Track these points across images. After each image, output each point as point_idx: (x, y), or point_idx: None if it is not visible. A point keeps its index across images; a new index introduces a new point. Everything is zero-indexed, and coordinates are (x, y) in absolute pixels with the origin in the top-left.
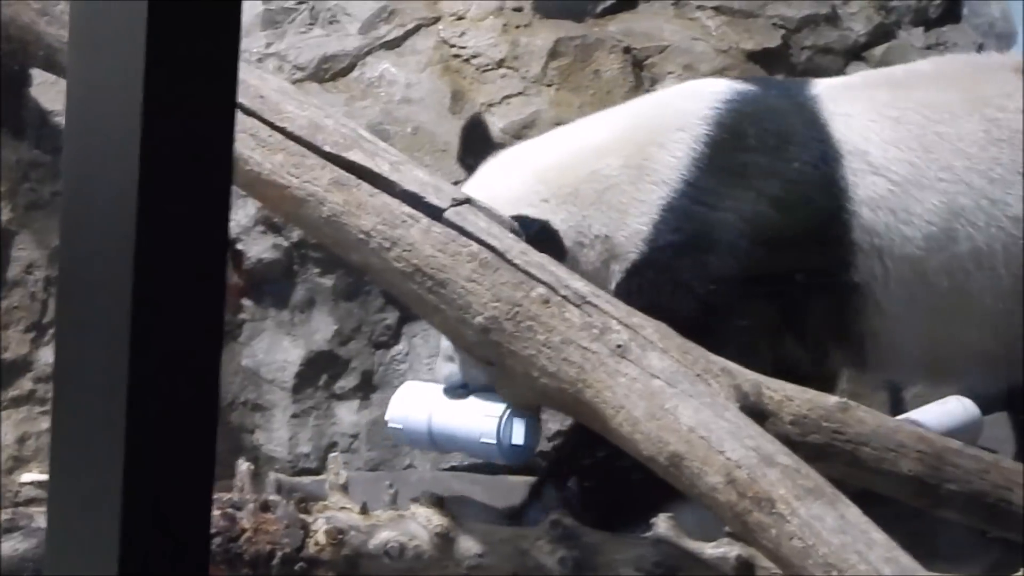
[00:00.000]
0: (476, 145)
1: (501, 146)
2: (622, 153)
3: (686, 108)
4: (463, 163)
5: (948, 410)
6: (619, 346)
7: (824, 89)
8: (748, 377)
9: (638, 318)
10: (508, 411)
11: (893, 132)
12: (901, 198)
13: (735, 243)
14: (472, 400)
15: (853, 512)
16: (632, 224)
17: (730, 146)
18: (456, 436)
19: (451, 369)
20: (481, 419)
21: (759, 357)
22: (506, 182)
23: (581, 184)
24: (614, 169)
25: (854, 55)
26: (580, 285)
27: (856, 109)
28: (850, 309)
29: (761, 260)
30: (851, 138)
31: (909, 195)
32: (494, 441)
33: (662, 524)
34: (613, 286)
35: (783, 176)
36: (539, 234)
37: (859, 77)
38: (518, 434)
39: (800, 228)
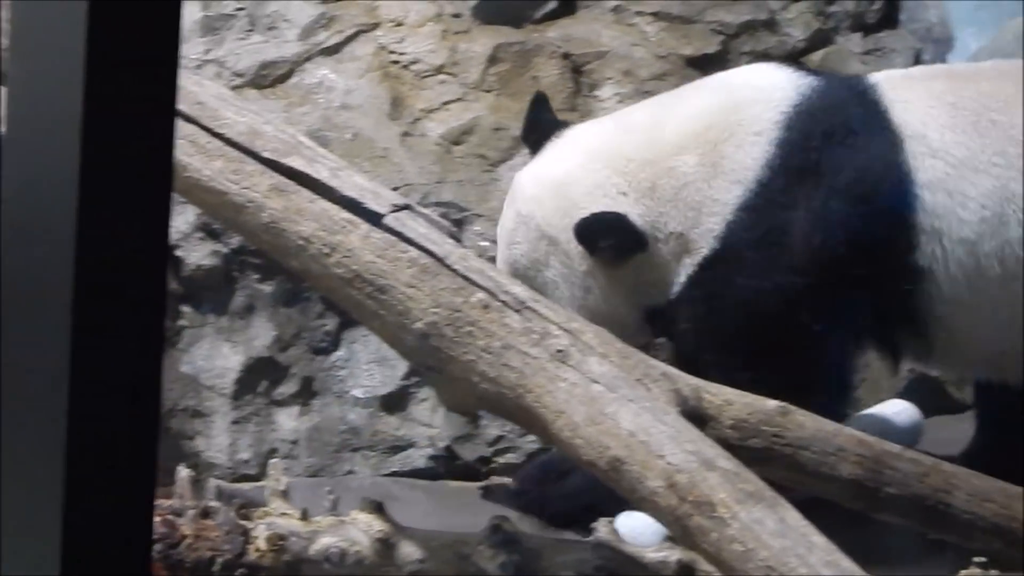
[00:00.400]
0: (540, 124)
1: (564, 124)
2: (697, 151)
3: (758, 112)
4: (526, 141)
5: (890, 412)
6: (559, 351)
7: (883, 78)
8: (688, 381)
9: (578, 323)
10: None
11: (950, 117)
12: (957, 181)
13: (809, 238)
14: None
15: (793, 516)
16: (706, 222)
17: (802, 146)
18: None
19: None
20: None
21: (839, 351)
22: (583, 171)
23: (659, 180)
24: (690, 167)
25: (792, 61)
26: (520, 290)
27: (914, 96)
28: (917, 294)
29: (835, 254)
30: (910, 122)
31: (964, 178)
32: None
33: (602, 528)
34: (684, 279)
35: (853, 167)
36: (617, 227)
37: (917, 70)
38: None
39: (871, 217)
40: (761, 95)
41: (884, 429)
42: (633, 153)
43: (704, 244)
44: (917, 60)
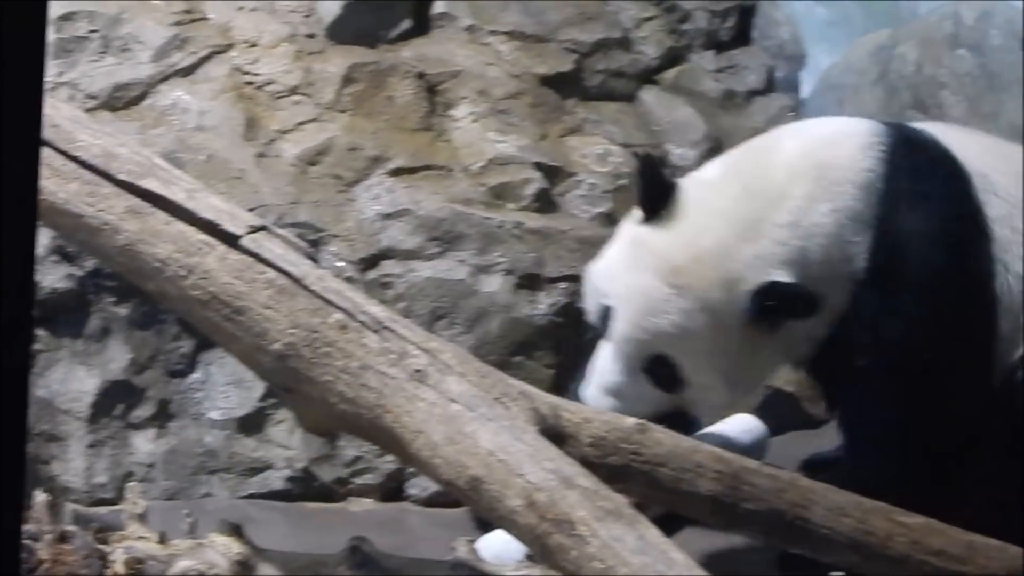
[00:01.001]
0: (658, 185)
1: (675, 185)
2: (825, 200)
3: (855, 155)
4: (647, 204)
5: (735, 429)
6: (417, 371)
7: (927, 125)
8: (546, 400)
9: (436, 343)
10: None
11: (1000, 162)
12: (1016, 220)
13: (931, 264)
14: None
15: (652, 533)
16: (844, 269)
17: (899, 182)
18: None
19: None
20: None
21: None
22: (737, 241)
23: (805, 242)
24: (824, 217)
25: (646, 79)
26: (378, 311)
27: (966, 140)
28: (997, 323)
29: (950, 278)
30: (971, 162)
31: (1018, 216)
32: None
33: (462, 548)
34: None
35: (938, 200)
36: (793, 295)
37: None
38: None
39: (967, 246)
40: (849, 140)
41: (725, 446)
42: (775, 218)
43: (847, 290)
44: (770, 77)
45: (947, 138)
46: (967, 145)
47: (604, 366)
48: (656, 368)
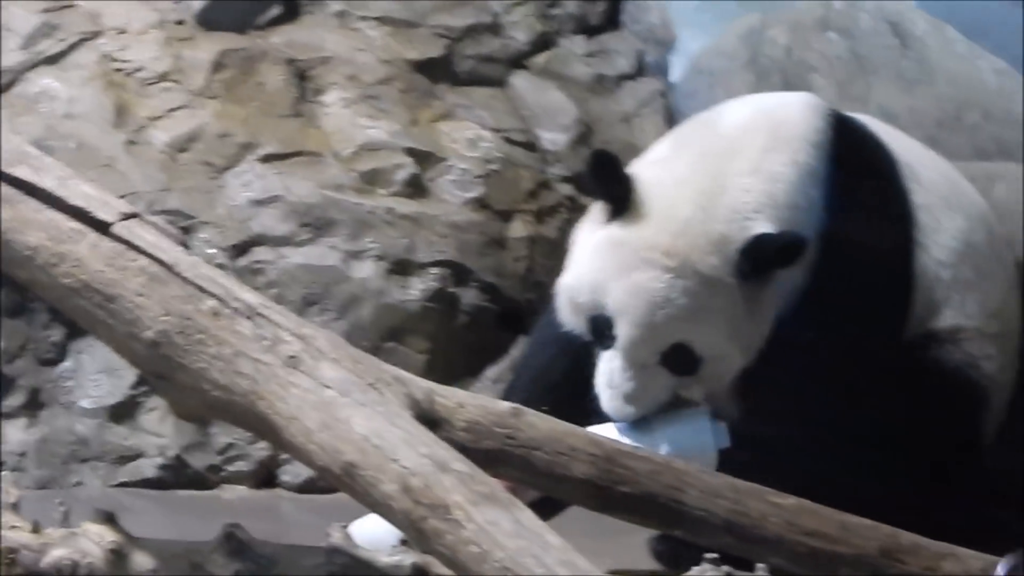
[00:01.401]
0: (618, 180)
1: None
2: (782, 153)
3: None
4: (611, 199)
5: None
6: (291, 357)
7: (859, 116)
8: (420, 385)
9: (310, 329)
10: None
11: (923, 157)
12: (937, 211)
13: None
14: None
15: (528, 517)
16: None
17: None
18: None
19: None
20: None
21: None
22: (721, 214)
23: (773, 194)
24: (783, 169)
25: (516, 64)
26: (250, 297)
27: (893, 133)
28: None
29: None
30: (899, 151)
31: (942, 210)
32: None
33: (336, 533)
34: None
35: (872, 178)
36: (779, 238)
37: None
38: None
39: (891, 223)
40: (797, 104)
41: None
42: (735, 167)
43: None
44: (640, 61)
45: (874, 126)
46: (892, 135)
47: (617, 378)
48: (673, 357)
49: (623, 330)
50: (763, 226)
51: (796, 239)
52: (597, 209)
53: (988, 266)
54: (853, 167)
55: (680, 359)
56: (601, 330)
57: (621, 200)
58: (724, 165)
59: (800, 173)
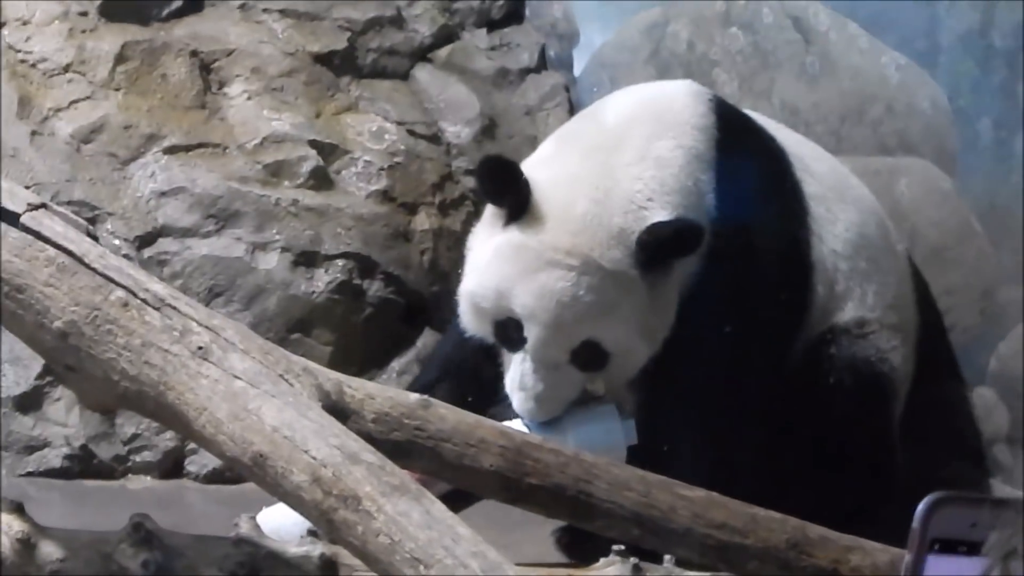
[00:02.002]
0: (516, 185)
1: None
2: (671, 138)
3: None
4: (504, 204)
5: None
6: (200, 348)
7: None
8: (329, 376)
9: (219, 320)
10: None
11: (811, 150)
12: (829, 202)
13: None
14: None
15: (438, 508)
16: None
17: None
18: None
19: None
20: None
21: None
22: (613, 204)
23: (665, 181)
24: (671, 152)
25: (420, 56)
26: (159, 288)
27: (774, 123)
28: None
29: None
30: (788, 143)
31: (834, 201)
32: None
33: (244, 524)
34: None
35: (773, 168)
36: (674, 225)
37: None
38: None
39: (792, 214)
40: (680, 90)
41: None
42: (621, 158)
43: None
44: (542, 55)
45: (760, 119)
46: (778, 129)
47: (529, 380)
48: (582, 354)
49: (532, 332)
50: (658, 214)
51: (689, 225)
52: (491, 214)
53: (883, 258)
54: (742, 152)
55: (589, 356)
56: (509, 334)
57: (518, 204)
58: (612, 158)
59: (688, 157)
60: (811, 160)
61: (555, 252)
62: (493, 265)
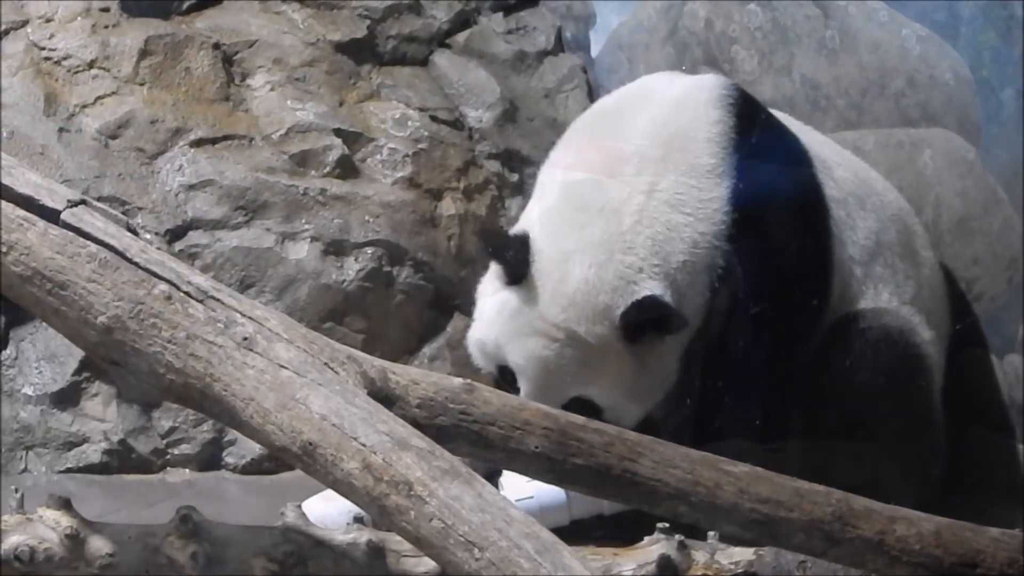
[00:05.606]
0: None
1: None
2: (671, 176)
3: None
4: (513, 276)
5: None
6: (245, 339)
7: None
8: (373, 363)
9: (261, 310)
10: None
11: (830, 151)
12: (849, 207)
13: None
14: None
15: (489, 491)
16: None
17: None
18: None
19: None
20: None
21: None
22: (600, 271)
23: (655, 238)
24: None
25: (438, 42)
26: (201, 280)
27: (803, 127)
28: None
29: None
30: (812, 146)
31: (854, 207)
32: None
33: (291, 513)
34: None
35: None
36: (653, 306)
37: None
38: None
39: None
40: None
41: None
42: (629, 242)
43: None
44: (559, 37)
45: (787, 120)
46: (804, 131)
47: None
48: (572, 406)
49: (524, 386)
50: (648, 285)
51: (670, 312)
52: (497, 269)
53: (902, 265)
54: (760, 155)
55: (581, 409)
56: (508, 379)
57: (518, 270)
58: (611, 224)
59: (698, 177)
60: (835, 165)
61: (543, 323)
62: (496, 321)
